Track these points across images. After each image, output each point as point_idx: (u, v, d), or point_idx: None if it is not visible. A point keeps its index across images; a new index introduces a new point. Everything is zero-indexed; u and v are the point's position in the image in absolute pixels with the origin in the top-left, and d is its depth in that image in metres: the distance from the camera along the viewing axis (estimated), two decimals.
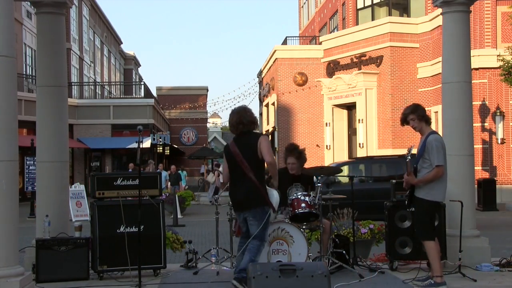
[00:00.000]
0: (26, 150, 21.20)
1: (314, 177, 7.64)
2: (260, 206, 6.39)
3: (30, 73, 30.76)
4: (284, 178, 7.72)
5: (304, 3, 43.36)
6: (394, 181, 7.97)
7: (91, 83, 41.75)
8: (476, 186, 16.64)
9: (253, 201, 6.38)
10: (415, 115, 6.77)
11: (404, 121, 6.87)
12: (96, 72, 44.86)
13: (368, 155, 24.41)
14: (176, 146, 45.90)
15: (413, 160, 6.69)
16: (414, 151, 6.78)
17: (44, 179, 7.76)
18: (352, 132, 28.91)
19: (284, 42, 33.95)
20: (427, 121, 6.85)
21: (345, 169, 16.00)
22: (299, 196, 7.20)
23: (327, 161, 28.05)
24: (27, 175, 19.97)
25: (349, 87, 27.38)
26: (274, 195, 6.65)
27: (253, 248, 6.34)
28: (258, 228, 6.34)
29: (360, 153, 26.97)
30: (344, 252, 7.51)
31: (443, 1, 8.13)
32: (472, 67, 8.81)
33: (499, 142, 23.10)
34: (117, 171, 30.80)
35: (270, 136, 33.76)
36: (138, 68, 66.63)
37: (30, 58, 30.95)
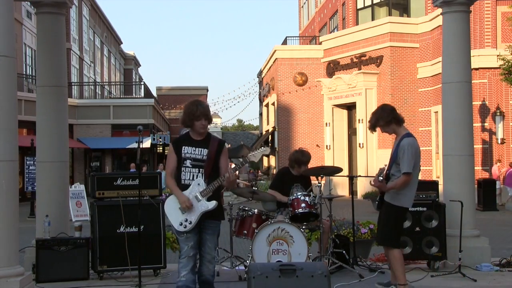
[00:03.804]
0: (26, 150, 21.17)
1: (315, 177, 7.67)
2: None
3: (30, 73, 30.73)
4: (286, 178, 7.76)
5: (304, 3, 43.35)
6: None
7: (91, 83, 41.71)
8: (476, 186, 16.66)
9: None
10: (381, 123, 6.25)
11: (373, 129, 6.40)
12: (96, 72, 44.82)
13: None
14: None
15: (382, 171, 6.20)
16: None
17: (44, 179, 7.76)
18: (352, 132, 28.90)
19: (284, 42, 33.95)
20: (398, 121, 6.26)
21: None
22: (299, 196, 7.22)
23: (327, 161, 28.05)
24: (27, 175, 19.92)
25: (349, 87, 27.37)
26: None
27: None
28: None
29: (360, 153, 26.97)
30: (344, 252, 7.51)
31: (443, 1, 8.13)
32: (472, 67, 8.80)
33: (499, 142, 23.08)
34: (117, 171, 30.78)
35: (270, 136, 33.75)
36: (138, 68, 66.57)
37: (30, 58, 30.92)
